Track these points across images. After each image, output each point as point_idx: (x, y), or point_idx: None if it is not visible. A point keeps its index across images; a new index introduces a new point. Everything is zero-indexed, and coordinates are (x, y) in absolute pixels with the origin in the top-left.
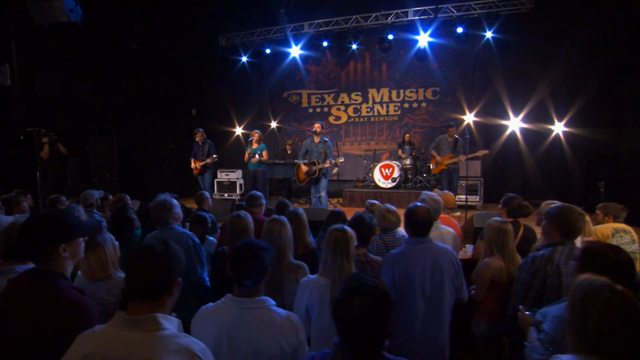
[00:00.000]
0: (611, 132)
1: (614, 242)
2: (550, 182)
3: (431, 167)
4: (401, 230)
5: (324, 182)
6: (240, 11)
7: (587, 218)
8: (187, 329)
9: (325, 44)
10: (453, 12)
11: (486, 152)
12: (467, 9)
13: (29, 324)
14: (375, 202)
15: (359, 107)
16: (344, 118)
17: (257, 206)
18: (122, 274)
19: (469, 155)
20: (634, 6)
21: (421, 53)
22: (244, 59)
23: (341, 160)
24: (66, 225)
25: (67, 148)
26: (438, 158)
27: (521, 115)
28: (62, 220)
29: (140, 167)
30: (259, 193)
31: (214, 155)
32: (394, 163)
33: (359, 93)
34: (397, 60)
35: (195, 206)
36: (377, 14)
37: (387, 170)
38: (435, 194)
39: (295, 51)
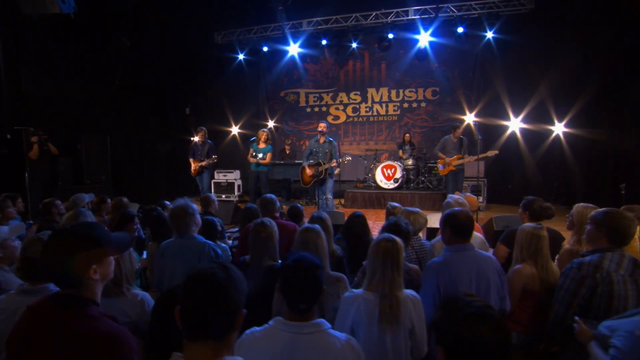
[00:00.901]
0: (611, 132)
1: None
2: (551, 182)
3: (440, 168)
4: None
5: (330, 184)
6: (236, 8)
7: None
8: None
9: (324, 42)
10: (454, 11)
11: (496, 152)
12: (467, 8)
13: None
14: (396, 204)
15: (357, 106)
16: (343, 118)
17: (274, 211)
18: (137, 291)
19: (480, 156)
20: (633, 7)
21: (421, 53)
22: (241, 56)
23: (348, 159)
24: (97, 242)
25: (57, 148)
26: (447, 159)
27: (521, 116)
28: (92, 237)
29: (135, 167)
30: (273, 196)
31: (214, 157)
32: (396, 163)
33: (358, 92)
34: (397, 59)
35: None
36: (377, 12)
37: (389, 171)
38: (459, 196)
39: (293, 49)
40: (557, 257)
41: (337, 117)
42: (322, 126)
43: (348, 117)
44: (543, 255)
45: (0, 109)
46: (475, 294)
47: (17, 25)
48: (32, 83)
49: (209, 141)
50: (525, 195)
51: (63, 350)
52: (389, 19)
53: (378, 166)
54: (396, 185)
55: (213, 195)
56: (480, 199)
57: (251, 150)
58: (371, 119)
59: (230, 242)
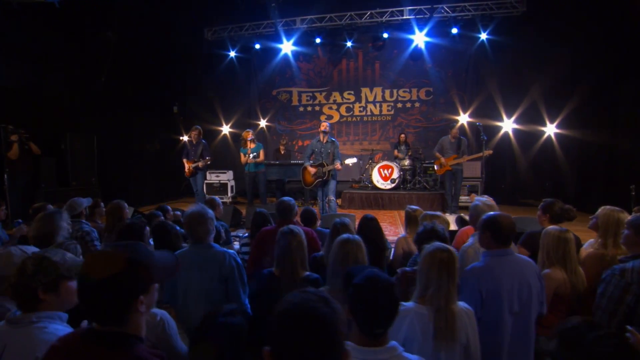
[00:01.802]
0: (602, 133)
1: None
2: (543, 182)
3: (436, 168)
4: None
5: (332, 185)
6: (227, 3)
7: None
8: None
9: (318, 40)
10: (448, 12)
11: (490, 152)
12: (461, 9)
13: None
14: (416, 207)
15: (351, 106)
16: (336, 117)
17: (293, 217)
18: (156, 310)
19: (474, 156)
20: (623, 9)
21: (415, 53)
22: (232, 53)
23: (354, 160)
24: (145, 267)
25: (40, 147)
26: (442, 160)
27: (514, 117)
28: (139, 261)
29: (122, 168)
30: (292, 200)
31: (207, 158)
32: (393, 164)
33: (352, 92)
34: (391, 59)
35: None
36: (372, 11)
37: (386, 171)
38: (487, 199)
39: (286, 47)
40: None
41: (330, 117)
42: (324, 125)
43: (342, 116)
44: (572, 259)
45: None
46: (516, 299)
47: None
48: (8, 77)
49: (203, 141)
50: (518, 195)
51: None
52: (384, 19)
53: (374, 166)
54: (393, 185)
55: (218, 199)
56: None
57: (242, 154)
58: (365, 118)
59: (236, 245)
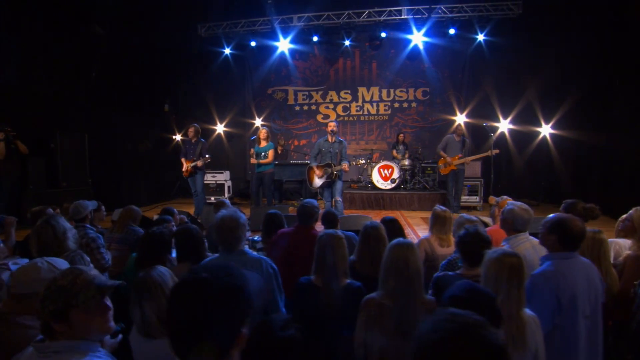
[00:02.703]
0: (596, 134)
1: None
2: (538, 181)
3: (440, 167)
4: None
5: (340, 186)
6: None
7: None
8: None
9: (315, 38)
10: (446, 13)
11: (497, 151)
12: (459, 10)
13: None
14: (444, 208)
15: (348, 105)
16: (333, 117)
17: (316, 220)
18: None
19: (481, 155)
20: (618, 11)
21: (412, 53)
22: (227, 50)
23: (362, 161)
24: (248, 299)
25: (27, 146)
26: (448, 159)
27: (510, 117)
28: (244, 291)
29: (113, 168)
30: (315, 202)
31: (207, 156)
32: (393, 164)
33: (349, 91)
34: (388, 59)
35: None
36: (370, 10)
37: (386, 171)
38: (521, 203)
39: (282, 45)
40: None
41: (327, 116)
42: (332, 125)
43: (338, 116)
44: (607, 260)
45: None
46: (587, 303)
47: None
48: None
49: (202, 139)
50: (514, 194)
51: None
52: (382, 18)
53: (374, 166)
54: (393, 185)
55: (227, 200)
56: (477, 198)
57: (252, 151)
58: (362, 118)
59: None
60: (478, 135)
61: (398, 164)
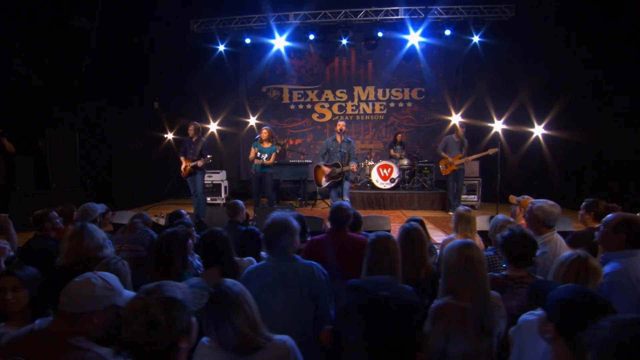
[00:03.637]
0: (588, 134)
1: None
2: (531, 181)
3: (441, 168)
4: None
5: (347, 186)
6: None
7: None
8: None
9: (311, 37)
10: (442, 14)
11: (497, 149)
12: (454, 12)
13: None
14: (469, 207)
15: (344, 104)
16: (328, 116)
17: (348, 224)
18: (277, 336)
19: (481, 154)
20: (609, 14)
21: (408, 53)
22: (221, 47)
23: (370, 163)
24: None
25: (14, 144)
26: (450, 159)
27: (503, 118)
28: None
29: (104, 168)
30: (348, 204)
31: (208, 156)
32: (392, 163)
33: (344, 90)
34: (384, 58)
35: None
36: (368, 9)
37: (385, 171)
38: (548, 200)
39: (277, 43)
40: None
41: (322, 115)
42: (341, 124)
43: (334, 115)
44: None
45: None
46: None
47: None
48: None
49: (203, 138)
50: (509, 193)
51: None
52: (379, 17)
53: (374, 166)
54: (393, 185)
55: (240, 202)
56: (475, 197)
57: (255, 149)
58: (357, 117)
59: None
60: (473, 135)
61: (397, 164)
